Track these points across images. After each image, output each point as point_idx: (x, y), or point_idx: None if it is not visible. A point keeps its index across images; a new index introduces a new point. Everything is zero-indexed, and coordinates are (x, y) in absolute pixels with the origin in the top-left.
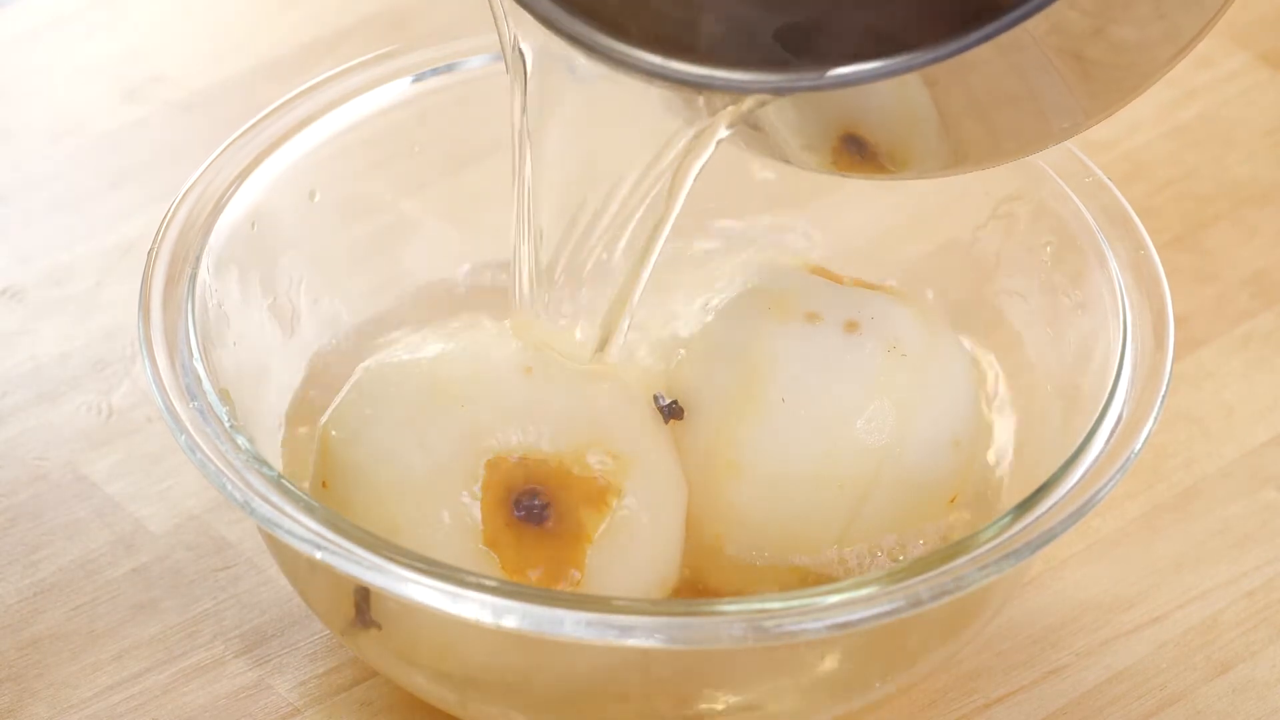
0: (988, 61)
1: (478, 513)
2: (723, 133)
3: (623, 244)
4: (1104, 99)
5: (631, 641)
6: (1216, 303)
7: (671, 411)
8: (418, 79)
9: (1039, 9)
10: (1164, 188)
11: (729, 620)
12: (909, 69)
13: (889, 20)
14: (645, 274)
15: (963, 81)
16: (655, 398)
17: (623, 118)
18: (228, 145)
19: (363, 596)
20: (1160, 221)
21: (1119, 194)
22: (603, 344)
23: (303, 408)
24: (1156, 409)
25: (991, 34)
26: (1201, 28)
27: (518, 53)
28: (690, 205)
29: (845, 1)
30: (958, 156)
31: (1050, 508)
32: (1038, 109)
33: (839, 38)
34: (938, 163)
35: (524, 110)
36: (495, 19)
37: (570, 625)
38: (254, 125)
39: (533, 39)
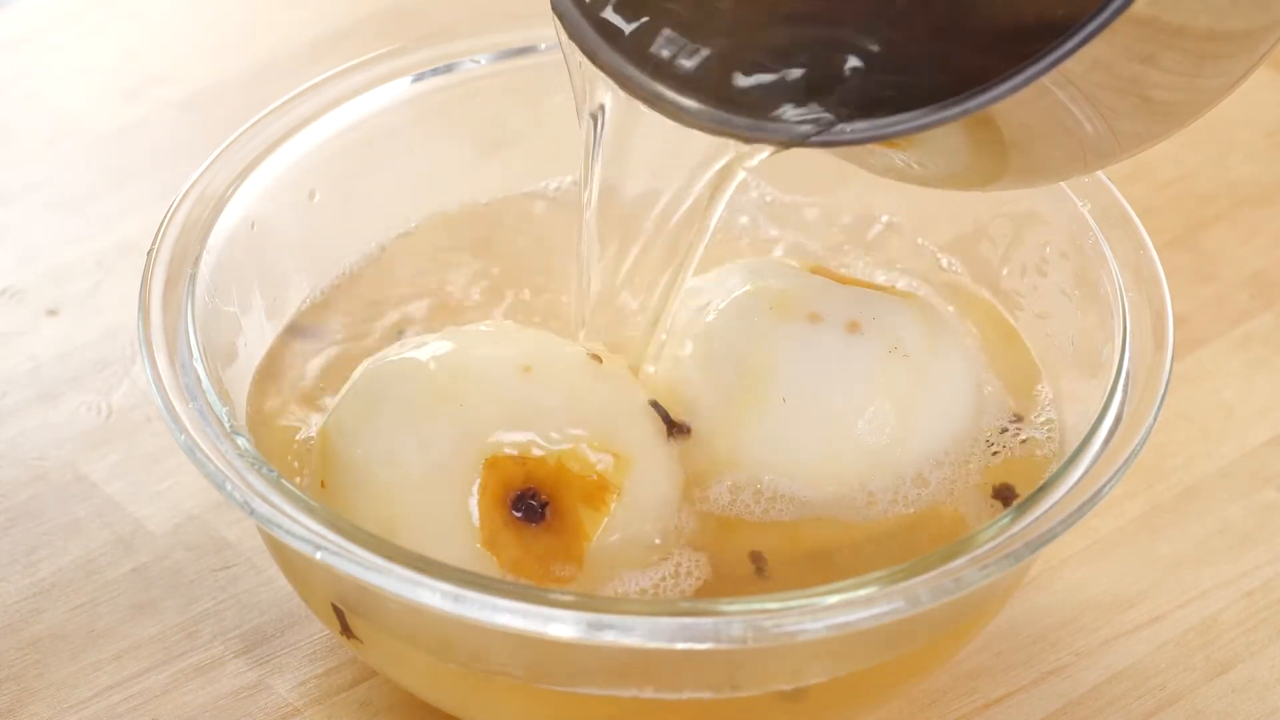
0: (1017, 106)
1: (476, 512)
2: (751, 164)
3: (659, 260)
4: (1144, 134)
5: (632, 641)
6: (1216, 303)
7: (677, 429)
8: (418, 79)
9: (1057, 63)
10: (1164, 188)
11: (728, 620)
12: (939, 122)
13: (927, 76)
14: (681, 285)
15: (991, 124)
16: (653, 406)
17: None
18: (228, 145)
19: (340, 612)
20: (1160, 221)
21: (1119, 194)
22: (640, 356)
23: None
24: (1156, 409)
25: (1006, 92)
26: (1239, 76)
27: (588, 100)
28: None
29: (869, 62)
30: (989, 181)
31: (1050, 508)
32: (1073, 143)
33: (856, 94)
34: (968, 185)
35: (596, 147)
36: (566, 62)
37: (571, 625)
38: (254, 125)
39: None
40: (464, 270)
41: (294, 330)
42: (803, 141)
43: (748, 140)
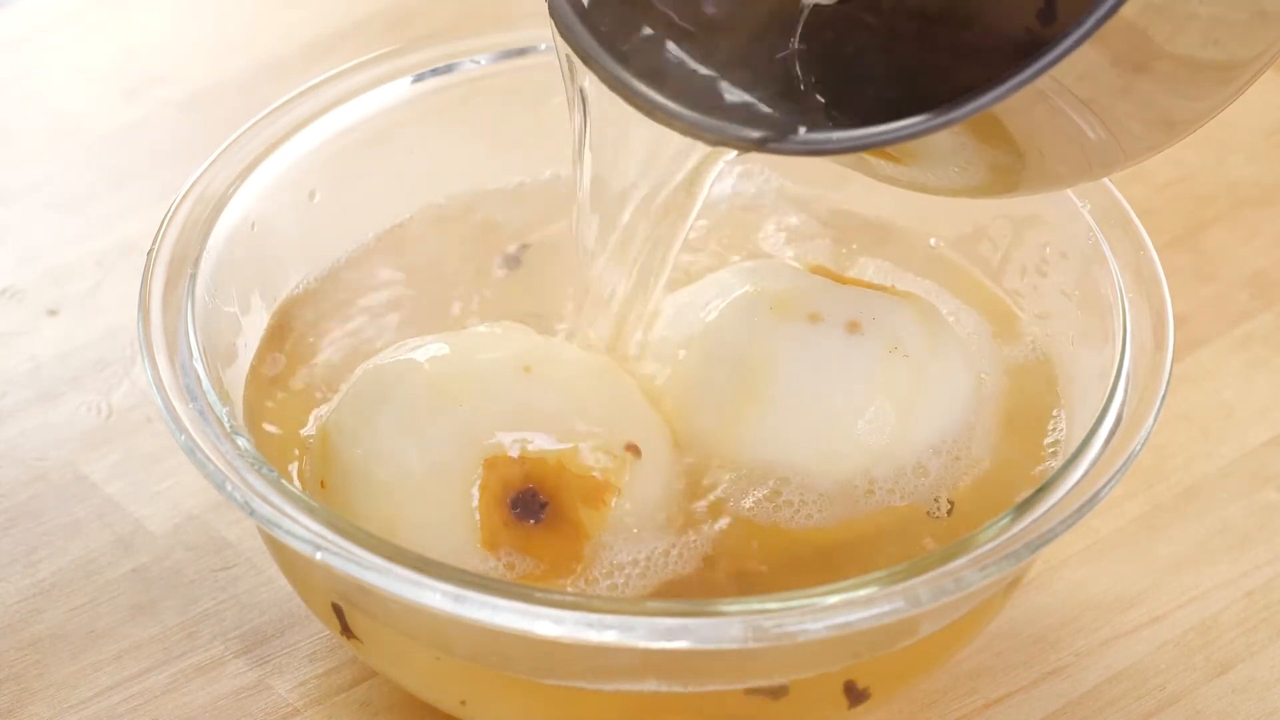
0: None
1: (476, 512)
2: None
3: (648, 244)
4: (1149, 143)
5: (632, 642)
6: (1216, 303)
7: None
8: (418, 79)
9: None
10: (1164, 188)
11: (729, 620)
12: (922, 133)
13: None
14: (662, 278)
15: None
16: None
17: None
18: (228, 145)
19: (339, 610)
20: (1160, 222)
21: (1119, 194)
22: (618, 339)
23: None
24: (1156, 409)
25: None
26: (1237, 91)
27: (578, 91)
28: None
29: (850, 76)
30: (991, 191)
31: (1050, 508)
32: (1076, 152)
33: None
34: (972, 194)
35: (584, 138)
36: (557, 53)
37: (571, 625)
38: (254, 125)
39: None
40: (461, 265)
41: (291, 325)
42: (763, 147)
43: (715, 144)
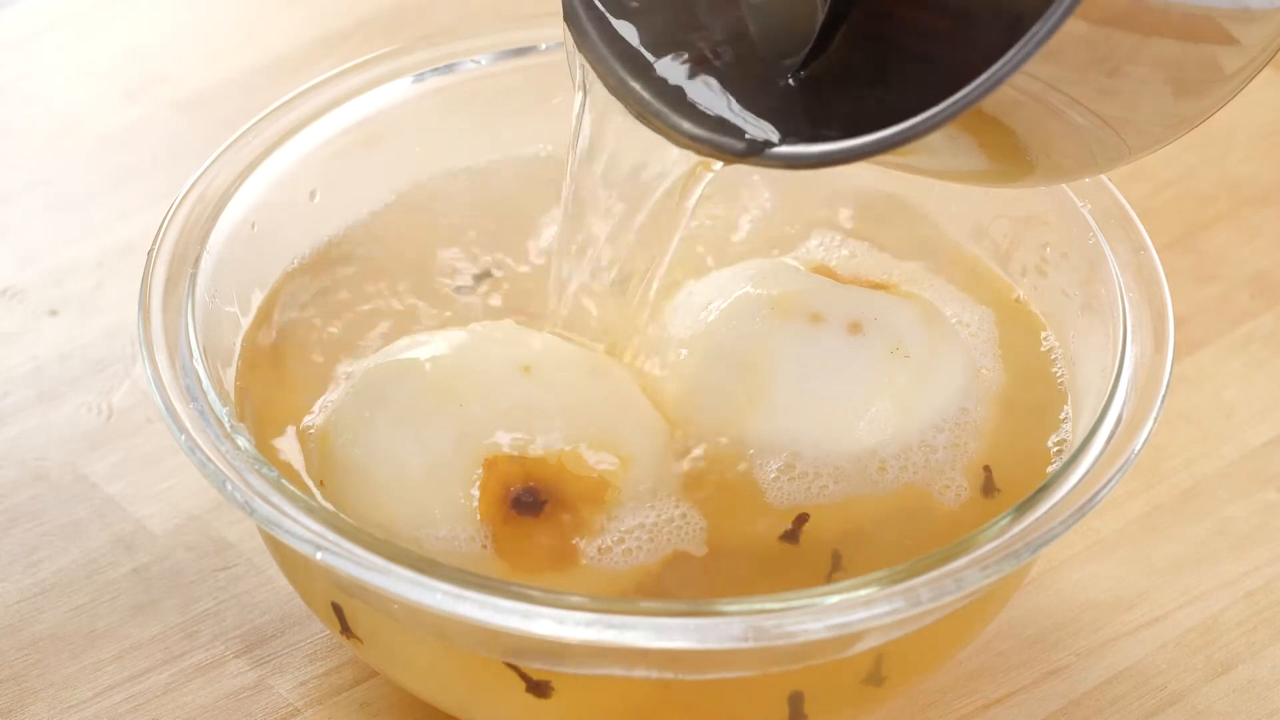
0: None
1: (476, 511)
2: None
3: (635, 250)
4: (1155, 136)
5: (631, 641)
6: (1216, 304)
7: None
8: (418, 79)
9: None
10: (1164, 188)
11: (729, 620)
12: (903, 141)
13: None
14: (656, 276)
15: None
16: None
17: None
18: (228, 145)
19: (339, 610)
20: (1160, 222)
21: (1119, 194)
22: (613, 337)
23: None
24: (1156, 410)
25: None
26: (1234, 90)
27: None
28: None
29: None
30: (995, 181)
31: (1050, 508)
32: (1080, 146)
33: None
34: (980, 182)
35: (578, 136)
36: (567, 56)
37: (571, 625)
38: (254, 125)
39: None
40: (460, 262)
41: (279, 322)
42: (744, 159)
43: (700, 154)
